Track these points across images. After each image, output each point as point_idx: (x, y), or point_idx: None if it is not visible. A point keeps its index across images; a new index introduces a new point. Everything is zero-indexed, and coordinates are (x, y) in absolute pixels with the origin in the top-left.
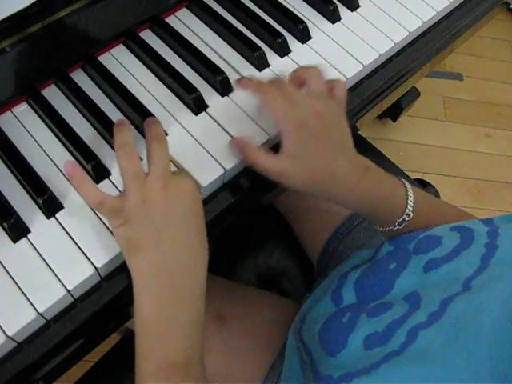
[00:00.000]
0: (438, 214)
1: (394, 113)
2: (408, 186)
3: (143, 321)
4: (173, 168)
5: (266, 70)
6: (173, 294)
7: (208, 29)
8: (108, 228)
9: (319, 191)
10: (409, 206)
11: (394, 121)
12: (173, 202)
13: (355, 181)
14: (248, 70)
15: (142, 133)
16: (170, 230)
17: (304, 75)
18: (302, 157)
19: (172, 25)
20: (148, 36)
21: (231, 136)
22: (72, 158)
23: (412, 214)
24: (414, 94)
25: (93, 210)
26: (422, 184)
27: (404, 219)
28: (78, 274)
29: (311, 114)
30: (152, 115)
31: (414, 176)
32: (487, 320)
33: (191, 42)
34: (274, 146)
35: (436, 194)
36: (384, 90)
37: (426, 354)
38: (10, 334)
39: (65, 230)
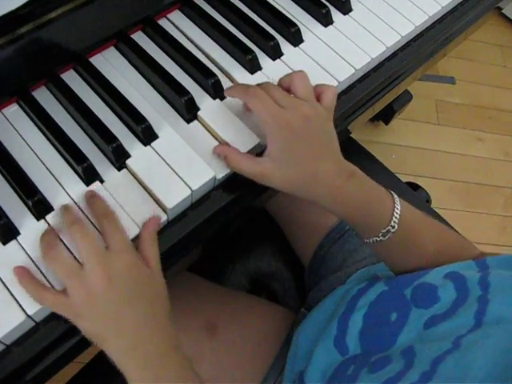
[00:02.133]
0: (424, 230)
1: (386, 116)
2: (396, 198)
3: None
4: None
5: (258, 72)
6: (152, 364)
7: (200, 31)
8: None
9: (303, 193)
10: (394, 218)
11: (387, 124)
12: (119, 288)
13: (338, 184)
14: (240, 72)
15: (133, 130)
16: (125, 314)
17: (290, 80)
18: (286, 160)
19: (164, 27)
20: (140, 38)
21: (223, 139)
22: (62, 160)
23: (397, 227)
24: (406, 98)
25: (83, 212)
26: (414, 187)
27: (389, 230)
28: None
29: (298, 117)
30: (143, 117)
31: (405, 179)
32: (474, 380)
33: (183, 44)
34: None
35: (427, 197)
36: (376, 93)
37: None
38: None
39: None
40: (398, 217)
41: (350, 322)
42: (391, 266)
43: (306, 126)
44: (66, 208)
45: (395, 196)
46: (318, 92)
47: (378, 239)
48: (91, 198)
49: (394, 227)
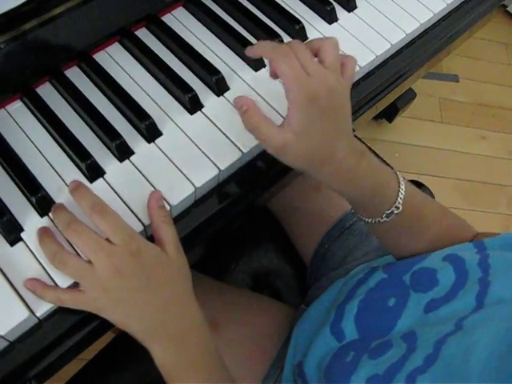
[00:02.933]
0: (426, 211)
1: (389, 114)
2: (401, 178)
3: (162, 368)
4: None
5: (263, 69)
6: (175, 343)
7: (204, 28)
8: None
9: (314, 171)
10: (399, 199)
11: (390, 122)
12: (126, 274)
13: (351, 164)
14: (244, 69)
15: (137, 127)
16: (140, 298)
17: (320, 45)
18: (307, 133)
19: (168, 24)
20: (144, 35)
21: (227, 136)
22: (66, 157)
23: (401, 208)
24: (409, 96)
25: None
26: (417, 185)
27: (393, 211)
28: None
29: (324, 89)
30: (147, 114)
31: (408, 177)
32: (476, 361)
33: (187, 41)
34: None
35: (430, 195)
36: (380, 91)
37: None
38: (1, 333)
39: (57, 229)
40: (402, 198)
41: (345, 308)
42: (392, 248)
43: (330, 100)
44: (55, 211)
45: (400, 177)
46: (340, 63)
47: (382, 220)
48: (76, 190)
49: (398, 208)
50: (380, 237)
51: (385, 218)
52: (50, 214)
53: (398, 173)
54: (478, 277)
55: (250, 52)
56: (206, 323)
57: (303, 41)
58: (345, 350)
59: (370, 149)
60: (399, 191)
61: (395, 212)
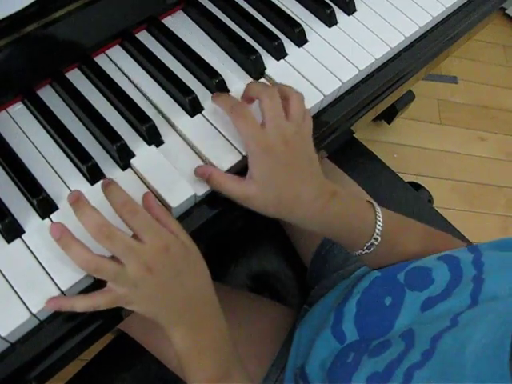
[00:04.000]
0: (406, 235)
1: (388, 115)
2: (377, 208)
3: (179, 353)
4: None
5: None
6: (194, 330)
7: (204, 31)
8: None
9: (285, 215)
10: (377, 230)
11: (389, 123)
12: (174, 259)
13: (320, 206)
14: (244, 73)
15: (137, 129)
16: (179, 283)
17: (287, 95)
18: (269, 182)
19: (169, 26)
20: (144, 37)
21: (227, 139)
22: (67, 159)
23: (380, 238)
24: (408, 97)
25: None
26: (415, 187)
27: (372, 243)
28: (72, 275)
29: (280, 142)
30: (147, 117)
31: (407, 178)
32: (470, 353)
33: (188, 43)
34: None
35: (429, 196)
36: (379, 94)
37: None
38: (3, 334)
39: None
40: (380, 229)
41: (344, 309)
42: (378, 267)
43: (287, 151)
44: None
45: (376, 207)
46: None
47: (363, 252)
48: (107, 186)
49: (377, 239)
50: (365, 263)
51: (366, 250)
52: (56, 213)
53: (373, 202)
54: (472, 275)
55: (213, 101)
56: (222, 311)
57: (303, 44)
58: (346, 351)
59: (368, 152)
60: (376, 223)
61: (375, 243)
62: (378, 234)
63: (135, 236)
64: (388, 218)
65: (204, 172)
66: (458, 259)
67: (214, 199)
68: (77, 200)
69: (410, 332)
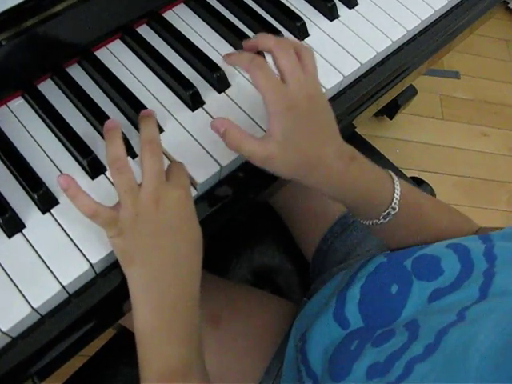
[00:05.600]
0: (425, 208)
1: (390, 110)
2: (395, 179)
3: (141, 331)
4: (166, 161)
5: None
6: (165, 305)
7: (205, 25)
8: None
9: (304, 178)
10: (395, 200)
11: (391, 118)
12: (163, 216)
13: (340, 169)
14: None
15: (137, 127)
16: (158, 244)
17: (301, 53)
18: (290, 142)
19: (169, 20)
20: (145, 31)
21: None
22: (67, 153)
23: (397, 208)
24: (411, 92)
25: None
26: (418, 182)
27: (389, 212)
28: (72, 270)
29: (303, 97)
30: None
31: (409, 174)
32: (475, 353)
33: (189, 37)
34: None
35: (431, 192)
36: (381, 88)
37: None
38: (4, 329)
39: (60, 226)
40: (398, 198)
41: (347, 294)
42: (394, 245)
43: (310, 108)
44: (110, 140)
45: (395, 177)
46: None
47: (379, 221)
48: (144, 117)
49: (394, 209)
50: (381, 236)
51: (382, 220)
52: (56, 208)
53: (392, 173)
54: (484, 268)
55: (226, 60)
56: (198, 302)
57: (304, 37)
58: (350, 339)
59: (370, 148)
60: (394, 192)
61: (392, 213)
62: (395, 203)
63: None
64: (407, 190)
65: (220, 125)
66: (468, 249)
67: (215, 195)
68: (111, 129)
69: (415, 323)
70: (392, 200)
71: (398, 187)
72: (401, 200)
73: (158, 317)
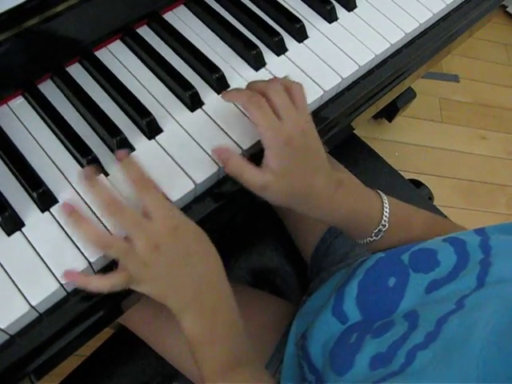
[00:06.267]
0: (413, 222)
1: (389, 113)
2: (384, 197)
3: (190, 340)
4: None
5: (263, 69)
6: (205, 316)
7: (205, 26)
8: (101, 222)
9: (297, 206)
10: (384, 217)
11: (390, 121)
12: (184, 241)
13: (329, 194)
14: (244, 68)
15: (137, 124)
16: (186, 267)
17: (289, 87)
18: (287, 174)
19: (169, 21)
20: (145, 32)
21: (227, 134)
22: (67, 153)
23: (387, 225)
24: (409, 95)
25: (86, 204)
26: (417, 185)
27: (380, 229)
28: (71, 268)
29: (297, 132)
30: (148, 111)
31: (408, 176)
32: (477, 340)
33: (188, 39)
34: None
35: (430, 194)
36: (380, 90)
37: (422, 375)
38: (2, 326)
39: (59, 224)
40: (387, 215)
41: (345, 290)
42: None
43: (304, 141)
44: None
45: (383, 195)
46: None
47: (371, 239)
48: (124, 161)
49: (384, 226)
50: (373, 250)
51: (374, 237)
52: (56, 206)
53: (380, 192)
54: (480, 258)
55: (225, 97)
56: (234, 299)
57: (303, 40)
58: (349, 332)
59: (369, 150)
60: (383, 209)
61: (383, 230)
62: (385, 221)
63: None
64: (395, 205)
65: (221, 154)
66: (464, 241)
67: (214, 193)
68: (89, 176)
69: (414, 313)
70: (382, 218)
71: (386, 205)
72: (390, 217)
73: (201, 327)
